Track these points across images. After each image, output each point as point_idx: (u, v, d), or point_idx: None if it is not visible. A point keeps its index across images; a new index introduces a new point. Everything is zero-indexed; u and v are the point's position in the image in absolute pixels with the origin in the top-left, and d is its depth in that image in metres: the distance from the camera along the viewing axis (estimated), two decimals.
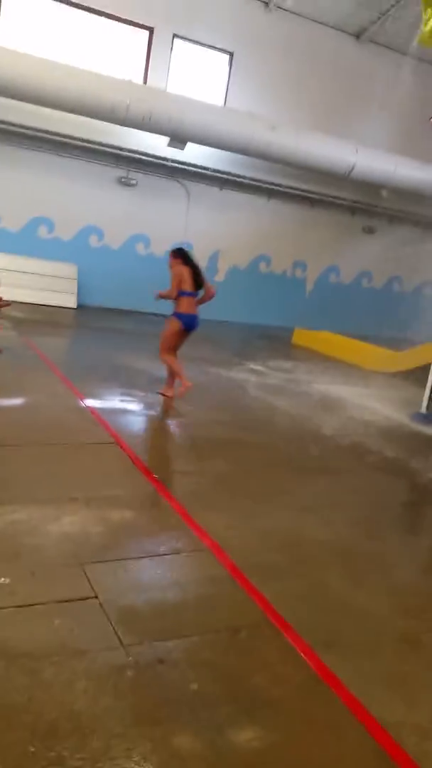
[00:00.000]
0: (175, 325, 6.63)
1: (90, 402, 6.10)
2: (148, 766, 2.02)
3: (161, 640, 2.63)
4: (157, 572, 3.20)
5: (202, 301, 6.76)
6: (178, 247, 7.07)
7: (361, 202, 15.44)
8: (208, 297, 6.77)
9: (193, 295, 6.63)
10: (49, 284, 12.71)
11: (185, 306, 6.59)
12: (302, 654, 2.69)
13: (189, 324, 6.67)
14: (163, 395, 6.73)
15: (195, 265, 6.69)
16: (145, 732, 2.15)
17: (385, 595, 3.38)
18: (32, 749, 2.00)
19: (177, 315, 6.64)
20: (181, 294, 6.56)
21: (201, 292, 6.74)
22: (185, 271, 6.55)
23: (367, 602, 3.23)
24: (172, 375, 6.78)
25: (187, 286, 6.56)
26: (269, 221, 14.98)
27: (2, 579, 2.87)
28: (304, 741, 2.25)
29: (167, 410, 6.40)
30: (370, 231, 16.23)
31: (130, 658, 2.49)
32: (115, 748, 2.06)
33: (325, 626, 2.95)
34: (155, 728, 2.17)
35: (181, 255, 6.67)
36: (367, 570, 3.62)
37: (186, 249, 6.90)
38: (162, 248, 14.15)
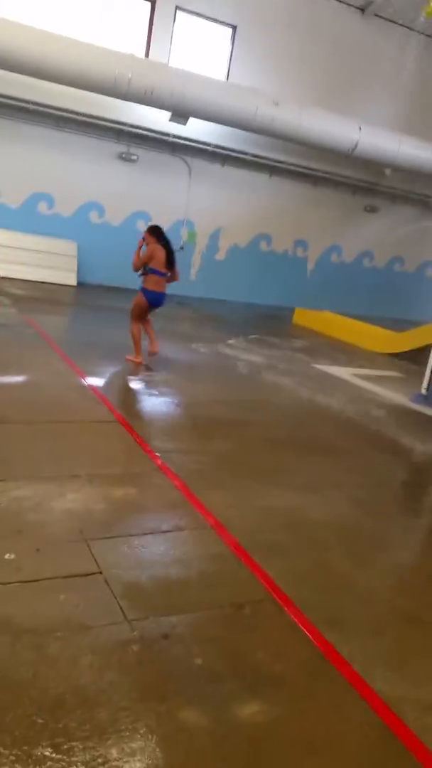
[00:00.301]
0: (142, 300, 7.04)
1: (91, 380, 6.09)
2: (153, 739, 2.04)
3: (165, 615, 2.65)
4: (160, 549, 3.21)
5: (167, 282, 7.15)
6: (154, 225, 7.33)
7: (363, 181, 15.28)
8: (172, 280, 7.18)
9: (162, 274, 6.97)
10: (48, 261, 12.61)
11: (152, 283, 6.96)
12: (305, 631, 2.71)
13: (154, 301, 7.07)
14: (131, 361, 7.09)
15: (169, 245, 7.05)
16: (150, 705, 2.17)
17: (387, 574, 3.40)
18: (40, 721, 2.02)
19: (144, 290, 7.02)
20: (150, 271, 6.89)
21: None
22: (159, 251, 6.88)
23: (369, 581, 3.26)
24: (148, 330, 7.25)
25: (159, 265, 6.91)
26: (271, 199, 14.83)
27: (7, 555, 2.88)
28: (308, 716, 2.27)
29: (168, 389, 6.39)
30: (372, 210, 16.09)
31: (135, 633, 2.51)
32: (121, 720, 2.09)
33: (327, 604, 2.97)
34: (160, 702, 2.20)
35: (157, 233, 7.01)
36: (368, 549, 3.64)
37: (160, 227, 7.20)
38: (163, 226, 14.03)
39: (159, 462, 4.31)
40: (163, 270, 6.96)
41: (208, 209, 14.31)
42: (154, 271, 6.90)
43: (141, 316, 7.18)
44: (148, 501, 3.76)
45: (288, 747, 2.12)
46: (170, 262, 7.00)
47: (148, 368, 6.99)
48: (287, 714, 2.27)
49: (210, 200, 14.26)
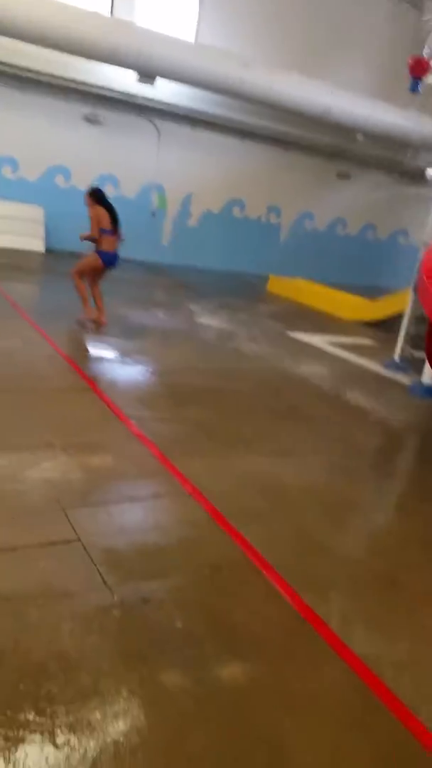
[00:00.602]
0: (97, 261, 7.01)
1: (62, 348, 6.00)
2: (136, 701, 2.06)
3: (145, 580, 2.67)
4: (138, 516, 3.21)
5: None
6: (93, 187, 7.33)
7: (336, 147, 15.14)
8: (117, 239, 7.14)
9: (112, 233, 6.97)
10: (14, 227, 12.27)
11: (106, 244, 6.94)
12: (283, 593, 2.75)
13: (110, 262, 7.06)
14: (94, 321, 7.11)
15: (110, 205, 7.03)
16: (132, 669, 2.19)
17: (363, 537, 3.46)
18: (22, 687, 2.02)
19: (100, 253, 6.97)
20: (102, 232, 6.88)
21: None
22: (101, 211, 6.88)
23: (345, 544, 3.31)
24: (96, 299, 7.26)
25: (106, 224, 6.90)
26: (243, 164, 14.62)
27: None
28: (287, 676, 2.32)
29: (143, 357, 6.33)
30: (345, 177, 15.99)
31: (115, 599, 2.52)
32: (104, 684, 2.10)
33: (305, 566, 3.02)
34: (142, 665, 2.21)
35: (96, 195, 6.99)
36: (344, 513, 3.69)
37: (101, 189, 7.21)
38: (132, 190, 13.81)
39: (134, 429, 4.29)
40: (111, 228, 6.95)
41: (178, 174, 14.06)
42: (105, 231, 6.90)
43: (93, 277, 7.18)
44: (125, 469, 3.74)
45: (267, 706, 2.16)
46: (115, 221, 6.99)
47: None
48: (266, 674, 2.31)
49: (180, 164, 14.01)
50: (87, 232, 6.93)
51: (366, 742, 2.07)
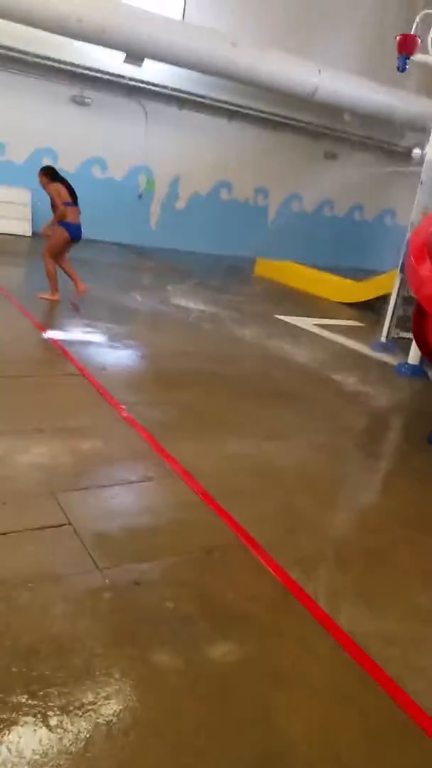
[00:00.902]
0: (64, 234, 7.07)
1: (52, 333, 5.97)
2: (128, 682, 2.08)
3: (136, 562, 2.68)
4: (129, 499, 3.22)
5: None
6: (45, 166, 7.42)
7: (323, 127, 15.06)
8: None
9: (74, 204, 7.04)
10: (1, 211, 12.17)
11: (72, 215, 7.04)
12: (272, 571, 2.78)
13: (75, 234, 7.16)
14: (46, 299, 7.14)
15: (65, 179, 7.13)
16: (124, 650, 2.21)
17: (350, 515, 3.50)
18: (14, 670, 2.04)
19: (65, 225, 7.04)
20: (66, 204, 6.96)
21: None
22: (59, 186, 6.97)
23: (333, 522, 3.35)
24: (69, 272, 7.36)
25: (66, 197, 6.97)
26: (230, 144, 14.52)
27: None
28: (276, 653, 2.35)
29: (131, 341, 6.32)
30: (332, 157, 15.92)
31: (107, 581, 2.53)
32: (96, 666, 2.12)
33: (293, 545, 3.05)
34: (134, 646, 2.23)
35: (51, 173, 7.09)
36: (332, 492, 3.73)
37: (53, 166, 7.35)
38: (120, 172, 13.69)
39: (124, 414, 4.29)
40: (72, 200, 7.01)
41: (166, 155, 13.95)
42: (68, 204, 6.95)
43: (59, 253, 7.22)
44: (115, 452, 3.75)
45: (258, 683, 2.19)
46: (73, 194, 7.05)
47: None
48: (256, 652, 2.34)
49: (168, 146, 13.89)
50: (44, 224, 7.24)
51: (356, 716, 2.11)
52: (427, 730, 2.09)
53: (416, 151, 14.62)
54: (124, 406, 4.41)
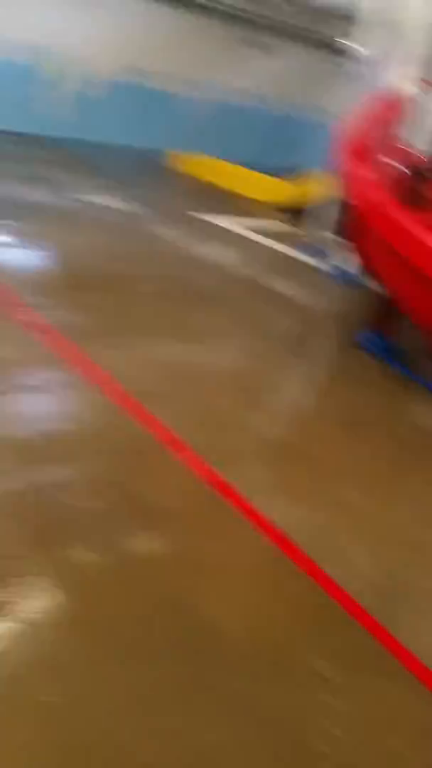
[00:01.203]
0: None
1: None
2: (53, 581, 2.03)
3: (59, 465, 2.62)
4: (49, 405, 3.11)
5: None
6: None
7: (254, 14, 13.98)
8: None
9: None
10: None
11: None
12: (197, 470, 2.77)
13: None
14: None
15: None
16: (48, 550, 2.16)
17: (276, 415, 3.52)
18: None
19: None
20: None
21: None
22: None
23: (260, 421, 3.37)
24: None
25: None
26: (146, 28, 13.32)
27: None
28: (202, 547, 2.38)
29: (39, 240, 5.87)
30: (261, 47, 14.95)
31: (29, 484, 2.45)
32: (20, 567, 2.05)
33: (220, 444, 3.05)
34: (58, 546, 2.18)
35: None
36: (258, 393, 3.72)
37: None
38: (8, 52, 12.23)
39: (36, 318, 4.00)
40: None
41: (72, 36, 12.64)
42: None
43: None
44: (29, 359, 3.53)
45: (185, 573, 2.21)
46: None
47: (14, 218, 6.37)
48: (183, 545, 2.35)
49: (68, 21, 12.49)
50: None
51: (286, 606, 2.17)
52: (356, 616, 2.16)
53: (350, 45, 13.96)
54: (36, 311, 4.10)
